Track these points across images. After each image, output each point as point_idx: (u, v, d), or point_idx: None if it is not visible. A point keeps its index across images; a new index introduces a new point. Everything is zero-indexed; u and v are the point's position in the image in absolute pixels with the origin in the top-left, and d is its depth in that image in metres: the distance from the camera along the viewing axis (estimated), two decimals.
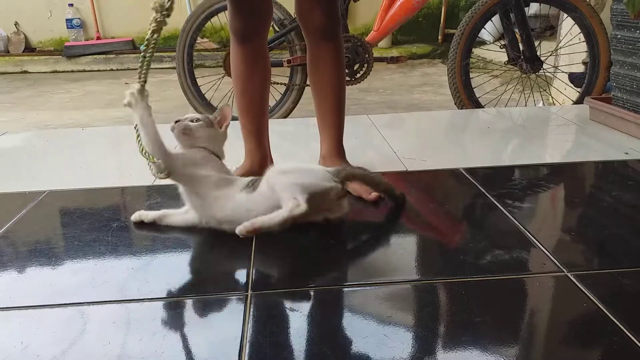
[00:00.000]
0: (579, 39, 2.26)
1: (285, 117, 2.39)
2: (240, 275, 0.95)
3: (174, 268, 0.98)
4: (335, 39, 1.29)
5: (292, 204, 1.00)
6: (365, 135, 1.82)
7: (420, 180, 1.40)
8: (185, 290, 0.91)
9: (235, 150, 1.30)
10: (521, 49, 2.21)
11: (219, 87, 2.41)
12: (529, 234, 1.06)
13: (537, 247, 1.01)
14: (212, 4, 2.33)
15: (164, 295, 0.89)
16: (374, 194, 1.24)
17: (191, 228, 1.11)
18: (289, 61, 2.31)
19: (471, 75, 2.23)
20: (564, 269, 0.93)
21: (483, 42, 3.76)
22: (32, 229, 1.16)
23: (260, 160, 1.33)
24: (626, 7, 1.67)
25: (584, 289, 0.87)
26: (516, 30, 2.21)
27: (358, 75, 2.32)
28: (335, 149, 1.35)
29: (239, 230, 1.01)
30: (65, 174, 1.50)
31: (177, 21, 4.36)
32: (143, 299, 0.88)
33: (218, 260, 1.03)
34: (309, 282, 0.92)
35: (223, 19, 2.41)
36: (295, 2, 1.26)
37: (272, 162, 1.38)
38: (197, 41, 2.38)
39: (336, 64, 1.32)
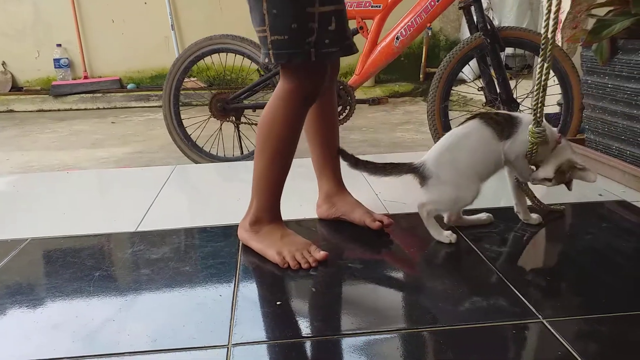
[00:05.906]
0: (554, 81, 2.34)
1: None
2: (222, 326, 0.95)
3: (154, 320, 0.98)
4: (334, 83, 1.38)
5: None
6: (348, 177, 1.84)
7: (401, 223, 1.43)
8: (165, 343, 0.91)
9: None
10: (498, 92, 2.28)
11: (205, 127, 2.46)
12: (505, 280, 1.08)
13: (514, 293, 1.03)
14: (199, 48, 2.39)
15: (146, 349, 0.89)
16: (377, 223, 1.30)
17: (177, 275, 1.12)
18: None
19: (451, 114, 2.29)
20: (539, 316, 0.95)
21: (463, 81, 3.87)
22: (13, 279, 1.15)
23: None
24: (595, 55, 1.76)
25: (558, 336, 0.89)
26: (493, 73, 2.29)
27: (341, 117, 2.37)
28: (341, 184, 1.42)
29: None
30: (49, 220, 1.50)
31: (164, 60, 4.45)
32: (123, 353, 0.88)
33: (200, 308, 1.03)
34: (290, 333, 0.93)
35: (209, 60, 2.47)
36: None
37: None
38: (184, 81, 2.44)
39: (335, 105, 1.39)
